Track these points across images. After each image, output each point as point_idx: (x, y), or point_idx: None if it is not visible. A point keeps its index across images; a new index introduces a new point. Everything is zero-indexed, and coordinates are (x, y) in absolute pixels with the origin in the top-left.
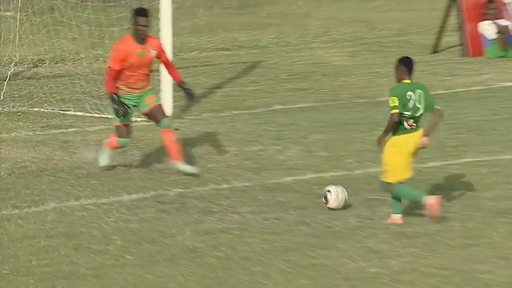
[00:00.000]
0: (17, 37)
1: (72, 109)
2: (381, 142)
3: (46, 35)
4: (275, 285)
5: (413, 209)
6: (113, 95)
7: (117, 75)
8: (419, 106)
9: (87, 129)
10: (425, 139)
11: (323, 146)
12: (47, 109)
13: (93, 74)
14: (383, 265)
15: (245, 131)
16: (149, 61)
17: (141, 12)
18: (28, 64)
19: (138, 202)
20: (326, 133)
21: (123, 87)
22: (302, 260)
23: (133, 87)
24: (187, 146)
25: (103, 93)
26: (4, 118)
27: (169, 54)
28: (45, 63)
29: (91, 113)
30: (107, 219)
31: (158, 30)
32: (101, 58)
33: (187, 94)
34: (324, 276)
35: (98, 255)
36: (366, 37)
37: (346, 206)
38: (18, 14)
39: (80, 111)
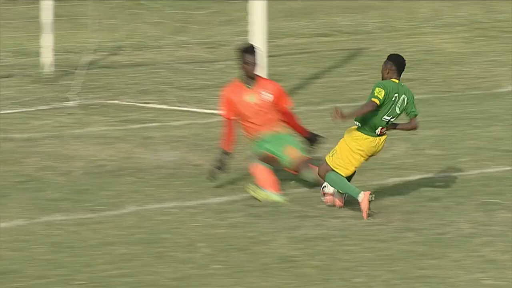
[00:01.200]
0: (94, 22)
1: (153, 101)
2: (341, 115)
3: (125, 20)
4: None
5: None
6: (222, 151)
7: (233, 125)
8: (398, 112)
9: (170, 124)
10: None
11: (433, 143)
12: (126, 101)
13: (177, 63)
14: (500, 277)
15: (346, 126)
16: (264, 107)
17: (248, 49)
18: (105, 51)
19: (227, 205)
20: (437, 128)
21: (248, 138)
22: (409, 270)
23: (258, 136)
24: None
25: (186, 84)
26: (79, 112)
27: (261, 41)
28: (124, 50)
29: (174, 106)
30: (193, 224)
31: (248, 14)
32: (185, 45)
33: (313, 141)
34: None
35: (182, 263)
36: (482, 21)
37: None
38: None
39: (162, 104)
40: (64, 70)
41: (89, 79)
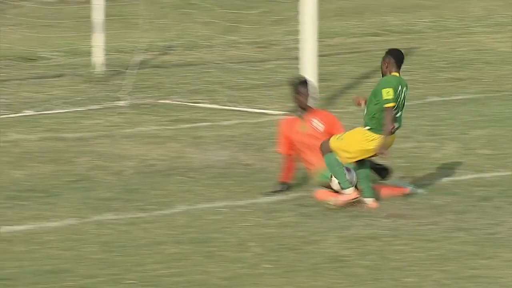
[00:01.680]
0: (145, 21)
1: (203, 101)
2: (382, 146)
3: (176, 19)
4: None
5: None
6: (282, 184)
7: (292, 160)
8: (401, 104)
9: (221, 123)
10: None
11: (484, 143)
12: (176, 101)
13: (227, 62)
14: None
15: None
16: (316, 136)
17: (301, 81)
18: (156, 51)
19: (277, 205)
20: (488, 128)
21: (309, 170)
22: (460, 270)
23: (318, 167)
24: None
25: (237, 83)
26: (130, 111)
27: (312, 41)
28: (175, 50)
29: (225, 106)
30: (243, 224)
31: (298, 13)
32: (236, 45)
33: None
34: None
35: (232, 263)
36: None
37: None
38: None
39: (212, 104)
40: (115, 69)
41: (140, 79)
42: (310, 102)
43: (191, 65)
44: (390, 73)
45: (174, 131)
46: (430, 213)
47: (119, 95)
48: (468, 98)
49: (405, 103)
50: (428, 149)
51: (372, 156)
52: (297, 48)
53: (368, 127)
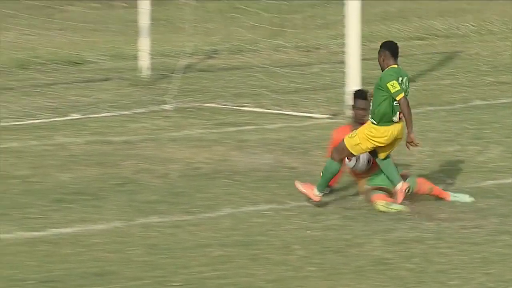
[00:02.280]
0: (191, 26)
1: (249, 104)
2: (413, 139)
3: (221, 23)
4: None
5: None
6: (328, 187)
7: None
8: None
9: (266, 127)
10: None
11: None
12: (221, 104)
13: (273, 66)
14: None
15: (440, 129)
16: None
17: (359, 94)
18: (202, 55)
19: (322, 208)
20: None
21: (356, 178)
22: (504, 273)
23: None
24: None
25: (282, 87)
26: (176, 115)
27: (356, 45)
28: (221, 54)
29: (270, 109)
30: (288, 227)
31: (343, 17)
32: (281, 49)
33: None
34: None
35: (277, 266)
36: None
37: None
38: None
39: (257, 107)
40: (161, 73)
41: (185, 83)
42: (367, 116)
43: (236, 69)
44: (388, 66)
45: (219, 134)
46: (474, 216)
47: (165, 99)
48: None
49: (408, 93)
50: (472, 153)
51: (394, 147)
52: (341, 52)
53: (372, 120)
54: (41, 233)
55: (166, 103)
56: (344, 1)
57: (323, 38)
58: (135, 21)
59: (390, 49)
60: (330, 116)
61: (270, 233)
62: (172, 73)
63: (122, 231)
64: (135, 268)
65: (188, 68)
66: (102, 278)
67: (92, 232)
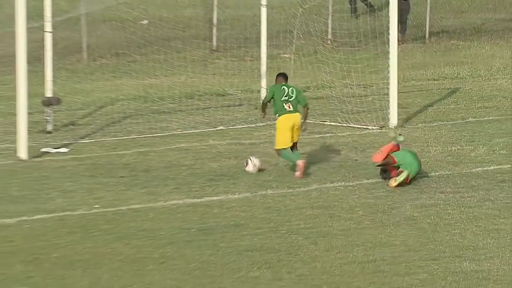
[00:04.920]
0: (292, 72)
1: (328, 120)
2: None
3: (311, 70)
4: (469, 242)
5: None
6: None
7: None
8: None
9: (339, 134)
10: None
11: (503, 146)
12: (311, 120)
13: (343, 97)
14: None
15: (448, 136)
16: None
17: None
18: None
19: (374, 185)
20: (505, 137)
21: None
22: (488, 225)
23: None
24: (411, 146)
25: (349, 110)
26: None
27: (395, 83)
28: (311, 89)
29: (341, 124)
30: (352, 196)
31: (388, 66)
32: (349, 86)
33: None
34: (508, 237)
35: (345, 221)
36: None
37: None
38: (292, 56)
39: (333, 122)
40: None
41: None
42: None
43: (320, 98)
44: (280, 82)
45: (310, 139)
46: (468, 190)
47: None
48: (493, 119)
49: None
50: (468, 150)
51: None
52: (386, 88)
53: (277, 115)
54: (199, 200)
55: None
56: (389, 56)
57: (375, 79)
58: (258, 69)
59: (283, 76)
60: (379, 128)
61: (341, 200)
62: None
63: (249, 199)
64: (257, 221)
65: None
66: (237, 227)
67: (231, 199)
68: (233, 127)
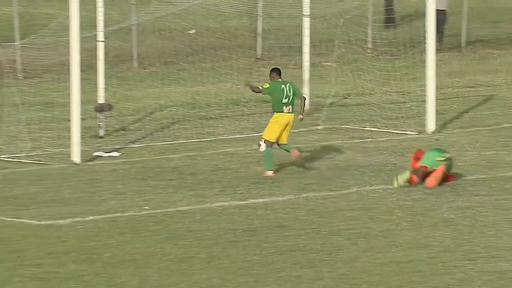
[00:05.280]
0: (334, 79)
1: (368, 126)
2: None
3: (351, 78)
4: (504, 243)
5: None
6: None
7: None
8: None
9: (378, 139)
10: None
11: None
12: (352, 126)
13: (383, 103)
14: None
15: (483, 141)
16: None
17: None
18: (340, 96)
19: (411, 187)
20: None
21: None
22: None
23: None
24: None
25: (388, 116)
26: (324, 132)
27: (432, 90)
28: (352, 96)
29: (381, 129)
30: (391, 199)
31: (425, 74)
32: (388, 93)
33: None
34: None
35: (385, 222)
36: None
37: None
38: (334, 63)
39: (373, 128)
40: (315, 107)
41: (330, 113)
42: None
43: (360, 105)
44: (275, 78)
45: (350, 143)
46: (504, 193)
47: (318, 123)
48: None
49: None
50: (503, 155)
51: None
52: (424, 95)
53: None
54: (244, 202)
55: (319, 125)
56: (426, 65)
57: (413, 86)
58: (300, 76)
59: (276, 71)
60: (417, 133)
61: (380, 203)
62: (322, 107)
63: (292, 201)
64: (299, 223)
65: (331, 104)
66: (280, 228)
67: (275, 202)
68: None
